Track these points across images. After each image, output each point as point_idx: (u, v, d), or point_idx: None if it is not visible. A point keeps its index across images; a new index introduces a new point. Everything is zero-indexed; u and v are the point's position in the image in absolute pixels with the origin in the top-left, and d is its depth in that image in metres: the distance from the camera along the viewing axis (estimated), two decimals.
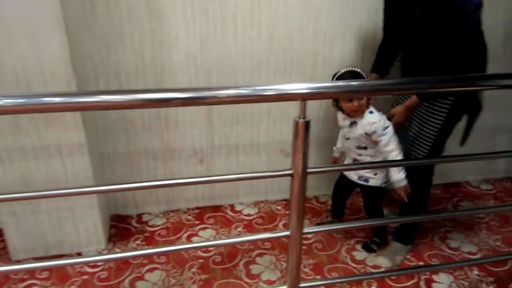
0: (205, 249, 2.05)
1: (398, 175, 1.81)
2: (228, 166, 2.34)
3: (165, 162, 2.26)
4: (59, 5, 1.52)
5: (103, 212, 2.06)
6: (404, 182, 1.82)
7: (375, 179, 1.95)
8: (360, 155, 1.93)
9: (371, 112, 1.83)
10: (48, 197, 1.78)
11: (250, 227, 2.27)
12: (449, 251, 2.10)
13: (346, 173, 2.03)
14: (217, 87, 1.16)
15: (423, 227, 2.26)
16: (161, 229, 2.23)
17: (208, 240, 2.15)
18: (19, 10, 1.50)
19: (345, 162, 2.06)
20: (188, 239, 2.15)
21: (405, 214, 2.00)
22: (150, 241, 2.13)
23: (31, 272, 1.86)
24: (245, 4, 1.98)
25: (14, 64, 1.56)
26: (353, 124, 1.87)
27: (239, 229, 2.25)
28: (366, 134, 1.83)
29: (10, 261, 1.94)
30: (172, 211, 2.37)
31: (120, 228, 2.22)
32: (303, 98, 1.23)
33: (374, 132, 1.80)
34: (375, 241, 2.10)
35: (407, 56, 1.86)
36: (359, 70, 1.81)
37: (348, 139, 1.94)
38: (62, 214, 1.90)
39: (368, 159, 1.92)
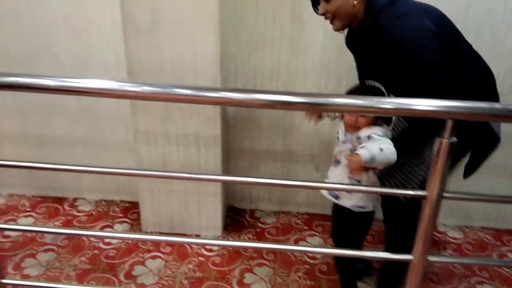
0: (312, 255, 2.06)
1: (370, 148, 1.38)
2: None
3: (283, 163, 2.33)
4: (217, 11, 1.69)
5: (223, 202, 2.20)
6: (365, 156, 1.36)
7: (347, 198, 1.56)
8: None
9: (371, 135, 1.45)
10: (182, 178, 1.98)
11: None
12: None
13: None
14: (334, 94, 1.14)
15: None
16: (271, 227, 2.30)
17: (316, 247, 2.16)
18: (184, 12, 1.70)
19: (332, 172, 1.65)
20: (296, 243, 2.18)
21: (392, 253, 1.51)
22: (260, 237, 2.21)
23: (157, 245, 2.08)
24: None
25: (173, 58, 1.77)
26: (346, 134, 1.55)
27: None
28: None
29: (140, 232, 2.20)
30: (282, 212, 2.43)
31: (235, 219, 2.35)
32: (451, 117, 1.16)
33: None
34: None
35: None
36: (382, 88, 1.47)
37: (344, 142, 1.57)
38: (190, 197, 2.09)
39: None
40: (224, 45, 1.85)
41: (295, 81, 2.10)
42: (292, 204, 2.44)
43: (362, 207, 1.58)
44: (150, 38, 1.74)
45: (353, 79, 2.07)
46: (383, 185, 1.61)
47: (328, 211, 2.40)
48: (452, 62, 1.38)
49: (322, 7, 1.41)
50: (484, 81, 1.48)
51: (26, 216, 2.30)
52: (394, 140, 1.46)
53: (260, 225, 2.32)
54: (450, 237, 2.27)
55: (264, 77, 2.10)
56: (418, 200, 1.42)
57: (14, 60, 2.14)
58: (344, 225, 1.68)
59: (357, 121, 1.48)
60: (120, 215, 2.34)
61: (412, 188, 1.50)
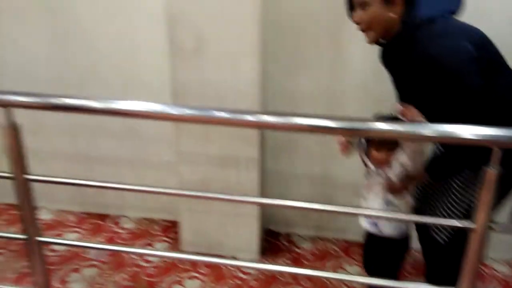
0: (350, 284, 2.00)
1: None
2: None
3: (321, 188, 2.31)
4: (259, 35, 1.76)
5: (260, 224, 2.21)
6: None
7: (388, 226, 1.55)
8: None
9: None
10: (220, 200, 2.00)
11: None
12: None
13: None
14: (370, 118, 1.13)
15: None
16: (308, 253, 2.27)
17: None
18: (227, 36, 1.78)
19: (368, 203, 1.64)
20: (333, 270, 2.13)
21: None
22: (296, 262, 2.19)
23: (194, 265, 2.11)
24: None
25: (218, 81, 1.85)
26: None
27: None
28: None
29: (179, 251, 2.23)
30: (320, 238, 2.39)
31: (271, 242, 2.34)
32: (498, 145, 1.12)
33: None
34: None
35: None
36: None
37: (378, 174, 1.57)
38: (228, 219, 2.12)
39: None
40: (263, 68, 1.90)
41: (334, 104, 2.11)
42: (329, 229, 2.40)
43: (401, 233, 1.58)
44: (195, 62, 1.82)
45: (394, 102, 2.05)
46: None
47: None
48: (492, 85, 1.33)
49: (357, 14, 1.39)
50: None
51: (72, 232, 2.41)
52: (428, 165, 1.44)
53: (296, 249, 2.29)
54: (497, 271, 2.14)
55: (302, 100, 2.12)
56: (459, 236, 1.40)
57: (66, 83, 2.29)
58: (383, 252, 1.65)
59: (387, 159, 1.49)
60: (160, 233, 2.39)
61: (457, 218, 1.45)
